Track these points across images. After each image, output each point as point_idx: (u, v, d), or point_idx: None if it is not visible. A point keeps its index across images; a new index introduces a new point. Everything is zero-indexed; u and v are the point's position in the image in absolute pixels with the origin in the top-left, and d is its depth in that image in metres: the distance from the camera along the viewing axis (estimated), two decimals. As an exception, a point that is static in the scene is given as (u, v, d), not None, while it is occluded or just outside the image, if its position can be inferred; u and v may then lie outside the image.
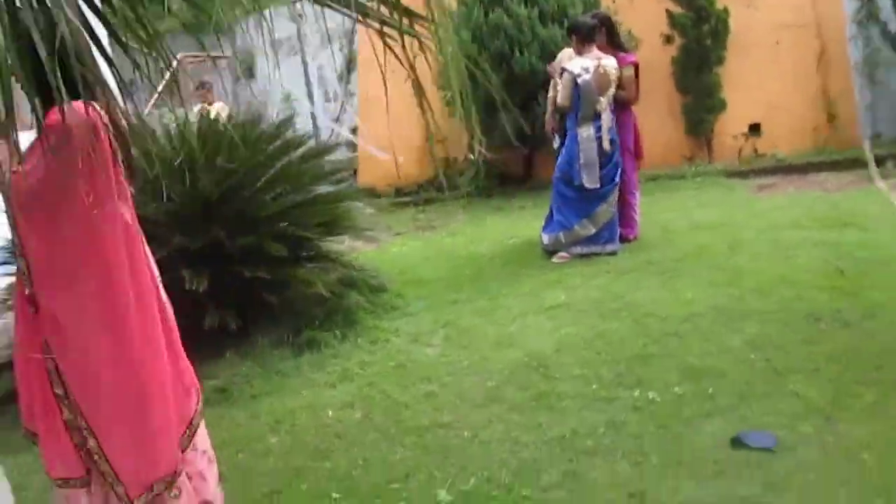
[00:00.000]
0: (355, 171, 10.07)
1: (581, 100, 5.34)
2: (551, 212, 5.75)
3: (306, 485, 2.93)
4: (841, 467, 2.57)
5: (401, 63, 2.15)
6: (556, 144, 5.94)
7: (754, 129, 8.67)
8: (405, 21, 2.17)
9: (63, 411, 2.28)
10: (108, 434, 2.20)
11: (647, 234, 6.04)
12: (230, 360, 4.18)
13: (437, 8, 2.02)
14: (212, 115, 5.31)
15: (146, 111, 7.90)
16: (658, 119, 8.56)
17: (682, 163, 8.71)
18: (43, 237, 2.10)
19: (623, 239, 5.74)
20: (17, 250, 2.20)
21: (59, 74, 1.92)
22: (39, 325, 2.20)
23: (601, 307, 4.54)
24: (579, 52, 5.40)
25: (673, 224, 6.34)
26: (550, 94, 5.91)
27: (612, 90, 5.37)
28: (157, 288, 2.39)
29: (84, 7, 2.23)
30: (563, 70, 5.40)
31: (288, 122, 4.82)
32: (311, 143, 5.01)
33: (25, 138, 2.19)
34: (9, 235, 2.43)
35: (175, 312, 3.99)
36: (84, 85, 1.97)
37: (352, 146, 11.18)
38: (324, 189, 5.04)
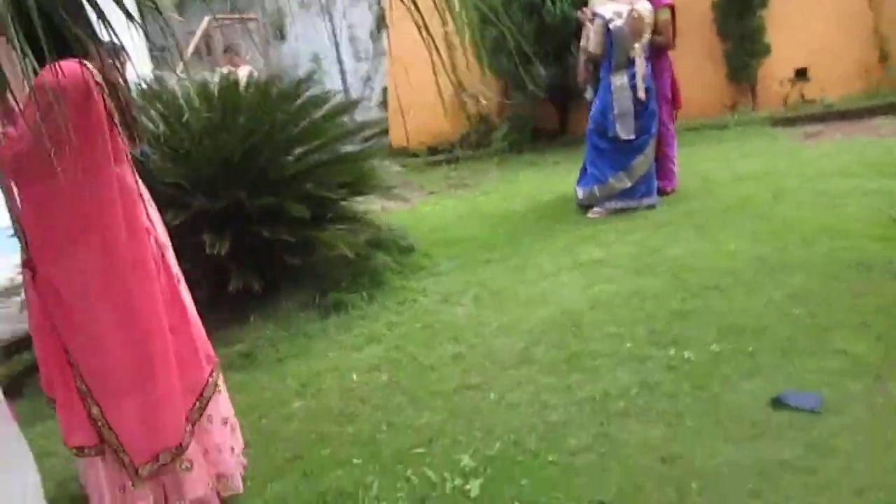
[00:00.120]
0: (387, 131, 9.93)
1: (614, 46, 5.10)
2: (585, 165, 5.54)
3: (328, 450, 2.86)
4: (891, 429, 2.39)
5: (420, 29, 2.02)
6: (588, 96, 5.69)
7: (801, 73, 8.26)
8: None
9: (77, 380, 2.25)
10: (112, 404, 2.15)
11: (687, 186, 5.80)
12: (255, 324, 4.13)
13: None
14: (239, 79, 5.21)
15: (177, 74, 7.86)
16: (698, 66, 8.21)
17: (724, 111, 8.36)
18: (37, 203, 2.03)
19: (661, 192, 5.52)
20: (13, 220, 2.14)
21: (48, 31, 1.84)
22: (44, 298, 2.15)
23: (637, 262, 4.37)
24: (611, -4, 5.14)
25: (714, 175, 6.09)
26: (582, 42, 5.65)
27: (646, 35, 5.10)
28: (164, 255, 2.31)
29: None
30: (595, 15, 5.14)
31: (308, 80, 4.68)
32: (335, 100, 4.84)
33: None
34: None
35: (198, 276, 3.96)
36: (77, 43, 1.87)
37: (384, 105, 11.03)
38: (350, 148, 4.92)
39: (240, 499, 2.56)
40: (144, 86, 4.73)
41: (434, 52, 1.91)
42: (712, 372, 2.93)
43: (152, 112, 4.47)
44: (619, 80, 5.15)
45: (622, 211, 5.36)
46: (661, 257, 4.37)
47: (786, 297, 3.49)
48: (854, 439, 2.36)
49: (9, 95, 2.05)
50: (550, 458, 2.53)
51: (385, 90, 11.05)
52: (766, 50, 8.18)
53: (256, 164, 4.26)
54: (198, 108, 4.34)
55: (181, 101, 4.51)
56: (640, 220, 5.18)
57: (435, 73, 1.94)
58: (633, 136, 5.19)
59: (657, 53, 5.31)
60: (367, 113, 11.18)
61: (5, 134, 1.97)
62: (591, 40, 5.23)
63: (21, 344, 4.12)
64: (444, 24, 2.02)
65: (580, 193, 5.57)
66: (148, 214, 2.28)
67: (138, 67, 5.15)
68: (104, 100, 2.05)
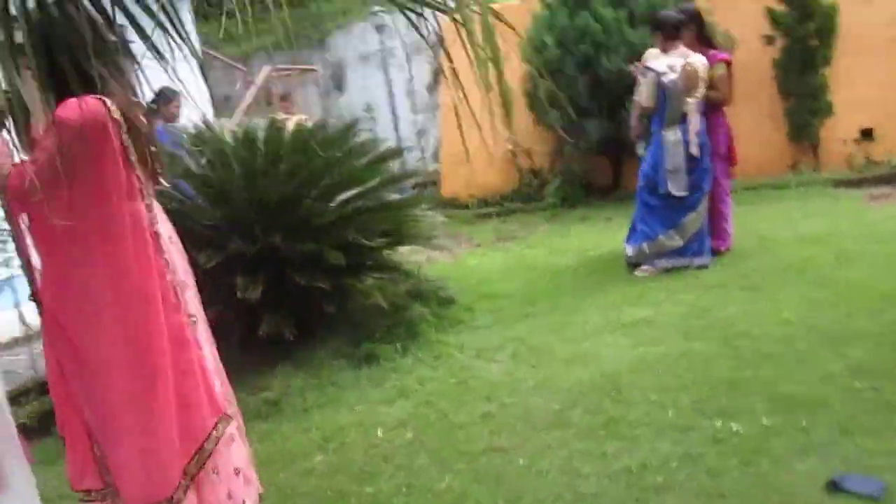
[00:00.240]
0: (436, 182, 9.91)
1: (666, 100, 4.95)
2: (635, 222, 5.35)
3: (344, 511, 2.71)
4: (965, 524, 2.13)
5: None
6: (640, 151, 5.53)
7: (866, 134, 7.93)
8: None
9: (83, 420, 2.19)
10: (111, 445, 2.07)
11: (742, 246, 5.55)
12: (284, 371, 4.03)
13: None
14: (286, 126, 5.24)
15: (235, 121, 8.03)
16: (758, 123, 7.98)
17: (785, 171, 8.06)
18: (45, 235, 1.99)
19: (714, 251, 5.28)
20: (20, 253, 2.10)
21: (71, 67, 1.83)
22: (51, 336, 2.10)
23: (686, 325, 4.14)
24: (664, 50, 5.01)
25: (772, 235, 5.82)
26: (636, 97, 5.52)
27: (700, 90, 4.94)
28: (177, 293, 2.23)
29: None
30: (647, 69, 5.02)
31: (352, 127, 4.66)
32: (380, 148, 4.81)
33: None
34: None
35: (230, 319, 3.89)
36: (99, 81, 1.86)
37: (437, 157, 11.05)
38: (394, 197, 4.86)
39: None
40: (194, 130, 4.79)
41: (485, 106, 1.86)
42: (761, 448, 2.70)
43: (199, 155, 4.50)
44: (673, 135, 4.99)
45: (672, 270, 5.14)
46: (711, 320, 4.13)
47: (846, 370, 3.23)
48: (921, 534, 2.11)
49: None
50: (577, 534, 2.33)
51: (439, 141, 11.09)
52: (829, 109, 7.90)
53: (296, 209, 4.22)
54: (241, 152, 4.33)
55: (226, 145, 4.53)
56: (691, 280, 4.95)
57: (478, 126, 1.89)
58: (685, 193, 5.00)
59: (712, 109, 5.14)
60: (420, 165, 11.23)
61: (22, 163, 1.95)
62: (643, 94, 5.10)
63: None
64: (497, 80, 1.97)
65: (629, 251, 5.37)
66: (165, 252, 2.21)
67: (200, 113, 5.26)
68: (121, 136, 2.01)
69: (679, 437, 2.87)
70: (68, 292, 2.02)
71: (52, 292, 2.03)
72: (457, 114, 2.12)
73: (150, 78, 2.02)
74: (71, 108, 1.95)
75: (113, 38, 2.08)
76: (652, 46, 5.31)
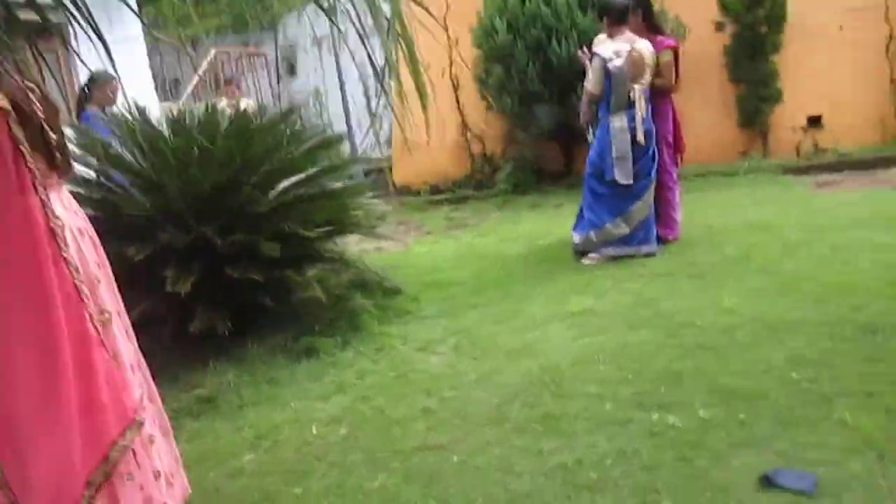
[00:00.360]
0: (391, 169, 9.77)
1: (613, 87, 4.89)
2: (582, 210, 5.30)
3: (270, 514, 2.60)
4: (895, 519, 2.10)
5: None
6: (590, 137, 5.48)
7: (814, 121, 8.02)
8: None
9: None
10: (14, 454, 1.94)
11: (690, 235, 5.54)
12: (219, 367, 3.88)
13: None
14: (223, 111, 5.06)
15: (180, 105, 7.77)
16: (709, 111, 8.01)
17: (736, 158, 8.11)
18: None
19: (661, 240, 5.26)
20: None
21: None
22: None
23: (630, 315, 4.10)
24: (611, 36, 4.95)
25: (719, 224, 5.83)
26: (585, 83, 5.46)
27: (647, 77, 4.90)
28: (80, 290, 2.08)
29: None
30: (594, 55, 4.95)
31: (290, 114, 4.50)
32: (320, 135, 4.66)
33: None
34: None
35: (162, 314, 3.73)
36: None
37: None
38: (338, 185, 4.73)
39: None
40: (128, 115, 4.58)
41: (441, 92, 1.79)
42: (698, 442, 2.65)
43: (130, 142, 4.31)
44: (619, 121, 4.93)
45: (619, 258, 5.11)
46: (656, 310, 4.10)
47: (786, 361, 3.21)
48: (850, 531, 2.08)
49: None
50: (506, 538, 2.25)
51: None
52: (779, 96, 7.96)
53: (231, 198, 4.06)
54: (174, 138, 4.16)
55: (159, 131, 4.34)
56: (638, 269, 4.92)
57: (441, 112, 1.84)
58: (630, 181, 4.95)
59: (659, 96, 5.10)
60: (376, 151, 11.06)
61: None
62: (589, 80, 5.03)
63: None
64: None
65: (576, 238, 5.32)
66: (67, 247, 2.06)
67: (143, 98, 5.03)
68: (8, 126, 1.86)
69: (616, 431, 2.82)
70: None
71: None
72: (402, 99, 2.04)
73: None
74: None
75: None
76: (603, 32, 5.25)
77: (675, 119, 5.34)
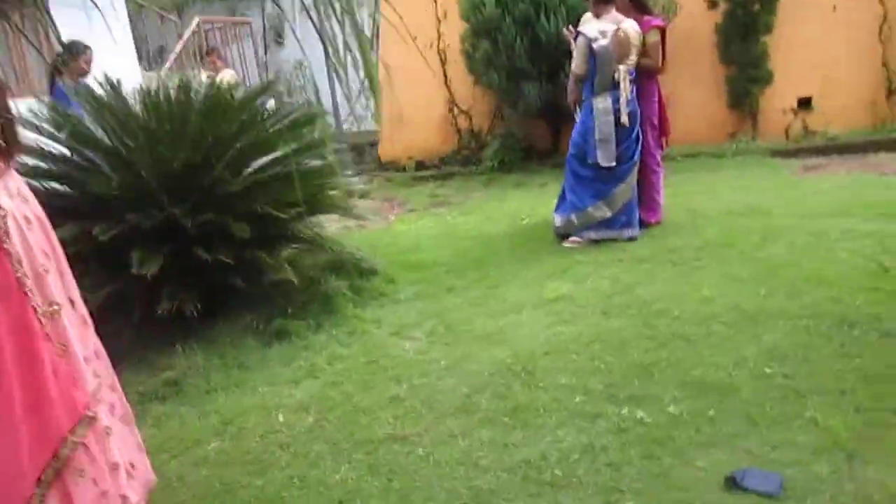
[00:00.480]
0: (376, 144, 9.64)
1: (597, 67, 4.79)
2: (564, 191, 5.23)
3: (228, 507, 2.55)
4: (859, 526, 2.07)
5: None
6: (577, 117, 5.38)
7: (804, 103, 7.92)
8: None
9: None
10: None
11: (673, 219, 5.48)
12: (189, 350, 3.81)
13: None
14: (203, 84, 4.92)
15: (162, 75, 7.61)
16: (699, 91, 7.91)
17: (725, 139, 8.03)
18: None
19: (644, 223, 5.20)
20: None
21: None
22: None
23: (607, 302, 4.04)
24: (597, 15, 4.83)
25: (703, 207, 5.76)
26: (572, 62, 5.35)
27: (632, 57, 4.79)
28: (22, 280, 1.99)
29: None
30: (579, 34, 4.84)
31: (268, 87, 4.38)
32: (299, 112, 4.53)
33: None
34: None
35: (129, 296, 3.65)
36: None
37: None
38: (315, 163, 4.62)
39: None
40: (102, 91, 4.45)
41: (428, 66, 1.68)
42: (665, 439, 2.61)
43: (99, 117, 4.20)
44: (603, 102, 4.83)
45: (601, 242, 5.04)
46: (632, 297, 4.05)
47: (760, 354, 3.16)
48: (813, 538, 2.04)
49: None
50: (463, 538, 2.21)
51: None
52: (769, 77, 7.85)
53: (202, 177, 3.96)
54: (144, 114, 4.05)
55: (133, 107, 4.22)
56: (619, 253, 4.86)
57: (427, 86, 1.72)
58: (613, 164, 4.87)
59: (645, 77, 5.00)
60: (362, 125, 10.90)
61: None
62: (574, 60, 4.93)
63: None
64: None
65: (558, 221, 5.25)
66: (8, 237, 1.97)
67: (125, 68, 4.87)
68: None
69: (584, 425, 2.77)
70: None
71: None
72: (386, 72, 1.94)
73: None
74: None
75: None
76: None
77: (660, 101, 5.25)
